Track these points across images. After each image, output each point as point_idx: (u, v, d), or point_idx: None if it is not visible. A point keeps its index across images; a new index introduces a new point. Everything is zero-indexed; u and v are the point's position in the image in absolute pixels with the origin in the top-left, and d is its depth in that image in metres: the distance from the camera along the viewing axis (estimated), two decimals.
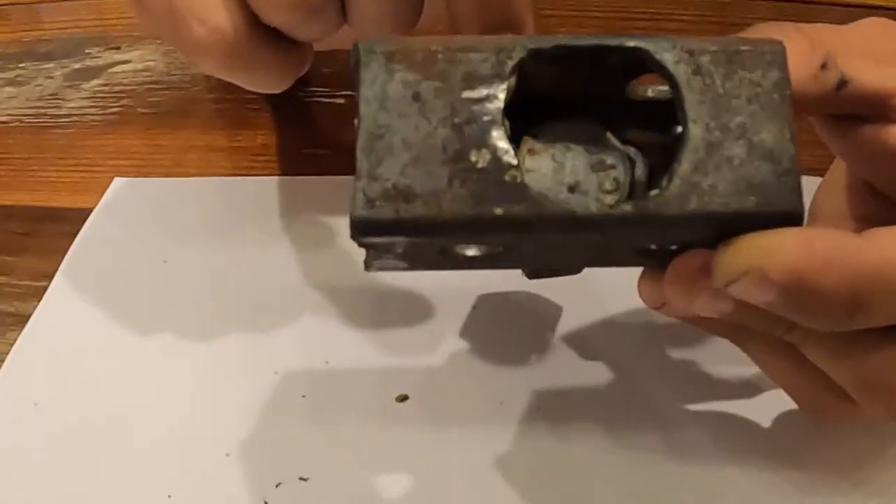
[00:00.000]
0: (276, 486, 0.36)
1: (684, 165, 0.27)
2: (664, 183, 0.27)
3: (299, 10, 0.33)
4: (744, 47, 0.28)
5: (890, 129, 0.32)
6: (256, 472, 0.36)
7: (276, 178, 0.51)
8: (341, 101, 0.57)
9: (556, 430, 0.37)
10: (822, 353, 0.31)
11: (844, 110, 0.32)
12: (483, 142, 0.27)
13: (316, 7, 0.33)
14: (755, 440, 0.36)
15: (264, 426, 0.38)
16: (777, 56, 0.28)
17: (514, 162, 0.27)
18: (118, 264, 0.46)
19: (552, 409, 0.38)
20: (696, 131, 0.27)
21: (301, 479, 0.36)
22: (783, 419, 0.37)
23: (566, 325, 0.41)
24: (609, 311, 0.41)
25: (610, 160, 0.30)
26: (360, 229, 0.27)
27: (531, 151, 0.29)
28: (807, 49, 0.30)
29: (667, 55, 0.28)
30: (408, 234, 0.27)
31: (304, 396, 0.39)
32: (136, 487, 0.36)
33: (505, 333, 0.41)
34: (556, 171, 0.29)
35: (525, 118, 0.29)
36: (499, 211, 0.26)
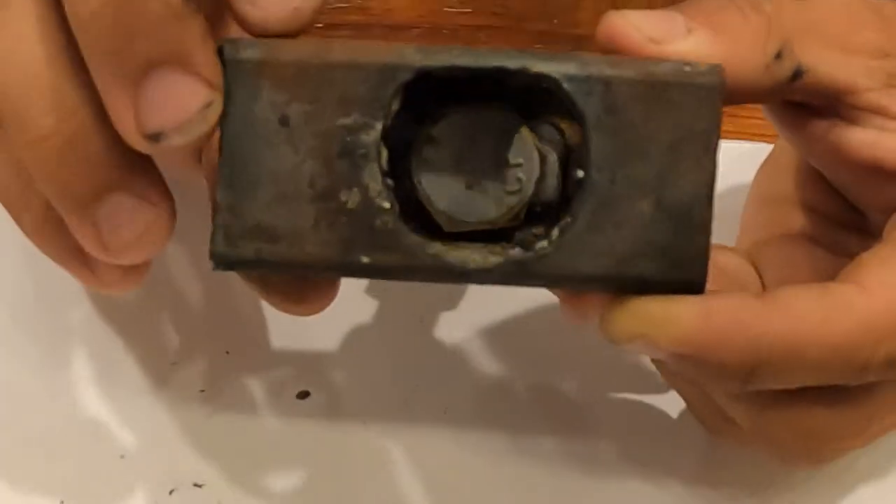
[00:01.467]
0: (170, 492, 0.36)
1: (579, 221, 0.25)
2: (554, 235, 0.25)
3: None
4: (673, 78, 0.25)
5: (843, 131, 0.31)
6: (150, 476, 0.36)
7: None
8: None
9: (459, 434, 0.37)
10: (717, 393, 0.31)
11: (797, 99, 0.31)
12: (355, 180, 0.25)
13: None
14: (663, 452, 0.36)
15: (160, 424, 0.37)
16: (713, 91, 0.25)
17: (387, 205, 0.25)
18: None
19: (458, 412, 0.37)
20: (599, 180, 0.25)
21: (196, 485, 0.36)
22: (693, 433, 0.36)
23: (477, 324, 0.40)
24: (522, 312, 0.40)
25: (517, 156, 0.28)
26: (221, 264, 0.26)
27: (431, 140, 0.27)
28: (762, 34, 0.29)
29: (576, 86, 0.25)
30: (272, 271, 0.26)
31: (202, 391, 0.38)
32: (25, 490, 0.36)
33: (413, 332, 0.40)
34: (456, 164, 0.27)
35: (433, 94, 0.27)
36: (366, 260, 0.25)
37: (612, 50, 0.27)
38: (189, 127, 0.25)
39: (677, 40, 0.27)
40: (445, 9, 0.53)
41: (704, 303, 0.26)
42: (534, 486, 0.36)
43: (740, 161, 0.38)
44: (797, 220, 0.35)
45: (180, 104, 0.25)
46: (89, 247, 0.27)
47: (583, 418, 0.37)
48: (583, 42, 0.54)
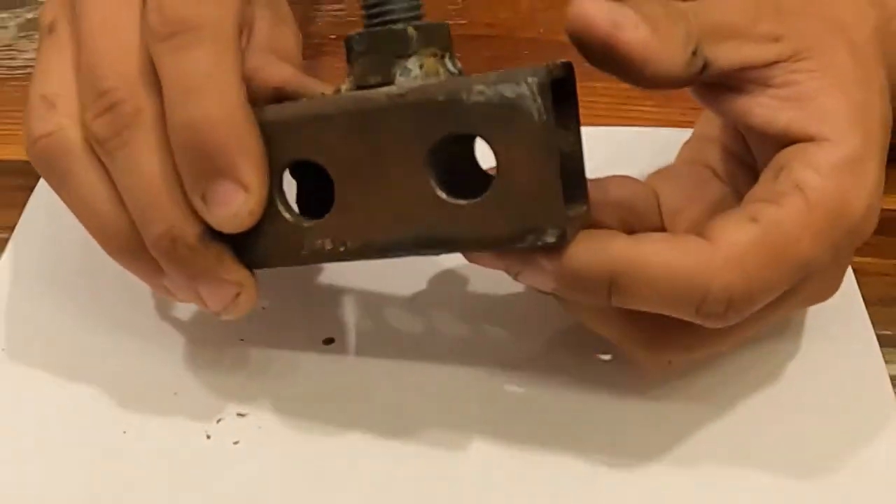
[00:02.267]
0: (217, 421, 0.41)
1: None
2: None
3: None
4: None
5: (738, 99, 0.37)
6: (200, 409, 0.41)
7: None
8: None
9: (463, 365, 0.42)
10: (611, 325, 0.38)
11: (708, 81, 0.37)
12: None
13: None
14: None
15: (205, 367, 0.43)
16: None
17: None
18: (71, 217, 0.50)
19: (467, 345, 0.43)
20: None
21: (239, 414, 0.41)
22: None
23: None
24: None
25: None
26: None
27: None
28: (684, 36, 0.35)
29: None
30: None
31: (242, 340, 0.44)
32: (95, 423, 0.41)
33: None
34: None
35: None
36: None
37: (581, 30, 0.33)
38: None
39: (631, 29, 0.34)
40: (445, 21, 0.60)
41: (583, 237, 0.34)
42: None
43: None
44: (710, 154, 0.42)
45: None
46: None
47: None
48: (567, 48, 0.60)
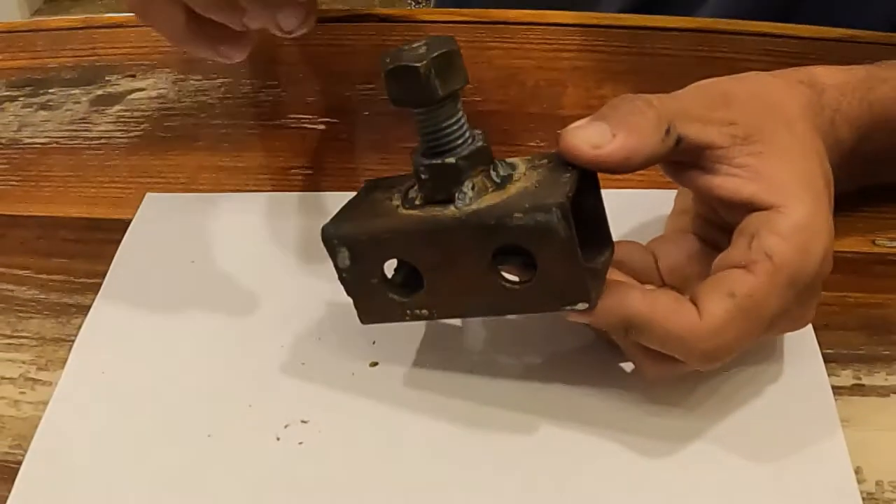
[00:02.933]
0: (285, 427, 0.49)
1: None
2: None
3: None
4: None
5: (703, 176, 0.46)
6: (270, 417, 0.50)
7: (272, 193, 0.64)
8: (322, 126, 0.70)
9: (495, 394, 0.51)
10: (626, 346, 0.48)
11: (679, 158, 0.46)
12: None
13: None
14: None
15: (274, 384, 0.51)
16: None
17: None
18: (155, 264, 0.59)
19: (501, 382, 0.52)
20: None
21: (303, 421, 0.50)
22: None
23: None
24: None
25: None
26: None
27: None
28: (656, 121, 0.44)
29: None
30: None
31: (303, 364, 0.52)
32: (180, 430, 0.50)
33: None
34: None
35: None
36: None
37: (572, 158, 0.44)
38: None
39: (608, 143, 0.44)
40: (462, 99, 0.68)
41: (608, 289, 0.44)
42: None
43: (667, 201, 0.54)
44: (690, 222, 0.51)
45: None
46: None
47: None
48: (567, 121, 0.67)
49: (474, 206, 0.43)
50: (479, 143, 0.45)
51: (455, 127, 0.44)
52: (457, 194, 0.44)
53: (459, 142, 0.44)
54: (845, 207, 0.57)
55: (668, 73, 0.73)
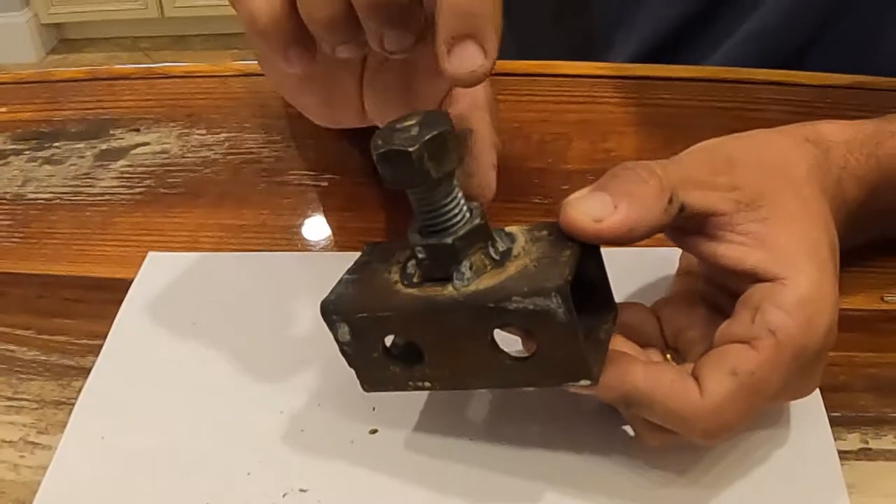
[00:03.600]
0: (283, 495, 0.49)
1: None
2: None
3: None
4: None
5: (705, 242, 0.46)
6: (269, 485, 0.49)
7: (276, 253, 0.64)
8: (325, 183, 0.70)
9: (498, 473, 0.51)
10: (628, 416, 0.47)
11: (682, 224, 0.46)
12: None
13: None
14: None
15: (273, 452, 0.51)
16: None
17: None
18: (156, 326, 0.59)
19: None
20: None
21: (301, 490, 0.49)
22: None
23: None
24: None
25: None
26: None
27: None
28: (659, 190, 0.44)
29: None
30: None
31: (302, 431, 0.52)
32: (179, 497, 0.49)
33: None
34: None
35: None
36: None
37: (574, 233, 0.43)
38: None
39: (610, 216, 0.43)
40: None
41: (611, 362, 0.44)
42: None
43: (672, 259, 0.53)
44: (695, 285, 0.50)
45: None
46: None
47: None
48: (571, 175, 0.67)
49: (472, 287, 0.43)
50: (477, 220, 0.44)
51: (451, 206, 0.43)
52: (454, 274, 0.43)
53: (456, 220, 0.44)
54: (854, 263, 0.57)
55: (675, 124, 0.73)
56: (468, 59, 0.42)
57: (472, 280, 0.43)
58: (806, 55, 0.80)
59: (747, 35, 0.82)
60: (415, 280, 0.45)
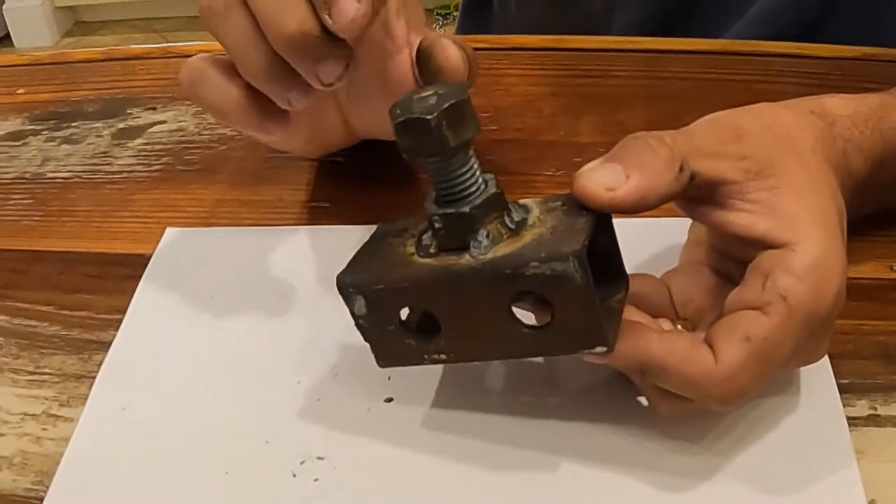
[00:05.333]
0: (301, 463, 0.50)
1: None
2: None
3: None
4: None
5: (716, 211, 0.46)
6: (287, 453, 0.50)
7: (292, 227, 0.65)
8: (341, 159, 0.70)
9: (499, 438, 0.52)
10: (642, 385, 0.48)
11: (693, 194, 0.46)
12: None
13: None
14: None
15: (290, 421, 0.52)
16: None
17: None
18: (175, 300, 0.60)
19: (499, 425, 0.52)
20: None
21: (318, 457, 0.50)
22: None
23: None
24: None
25: None
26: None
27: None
28: (670, 159, 0.45)
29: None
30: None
31: (319, 400, 0.53)
32: (199, 466, 0.50)
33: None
34: None
35: None
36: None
37: (588, 202, 0.44)
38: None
39: (623, 185, 0.44)
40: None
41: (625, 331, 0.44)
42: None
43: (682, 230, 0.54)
44: (704, 254, 0.51)
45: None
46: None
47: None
48: (583, 148, 0.68)
49: (490, 255, 0.43)
50: (493, 190, 0.45)
51: (468, 175, 0.44)
52: (472, 243, 0.44)
53: (472, 189, 0.44)
54: (862, 233, 0.58)
55: (686, 97, 0.74)
56: (346, 10, 0.46)
57: (489, 248, 0.44)
58: (815, 34, 0.80)
59: (757, 15, 0.82)
60: (431, 251, 0.45)
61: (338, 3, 0.46)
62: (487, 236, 0.44)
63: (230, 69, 0.51)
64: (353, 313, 0.47)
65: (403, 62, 0.57)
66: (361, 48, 0.50)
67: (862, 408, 0.51)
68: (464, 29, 1.04)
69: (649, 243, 0.58)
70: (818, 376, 0.52)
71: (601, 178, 0.44)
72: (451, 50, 0.55)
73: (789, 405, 0.51)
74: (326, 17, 0.46)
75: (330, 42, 0.48)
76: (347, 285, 0.46)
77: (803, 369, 0.51)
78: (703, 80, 0.75)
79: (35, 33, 3.41)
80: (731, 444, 0.49)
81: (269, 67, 0.49)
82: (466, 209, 0.44)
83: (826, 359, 0.52)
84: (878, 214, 0.59)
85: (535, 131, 0.72)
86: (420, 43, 0.57)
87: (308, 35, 0.47)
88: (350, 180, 0.69)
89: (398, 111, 0.43)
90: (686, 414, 0.48)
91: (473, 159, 0.44)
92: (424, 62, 0.56)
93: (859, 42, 0.76)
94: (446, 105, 0.42)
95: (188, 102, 0.78)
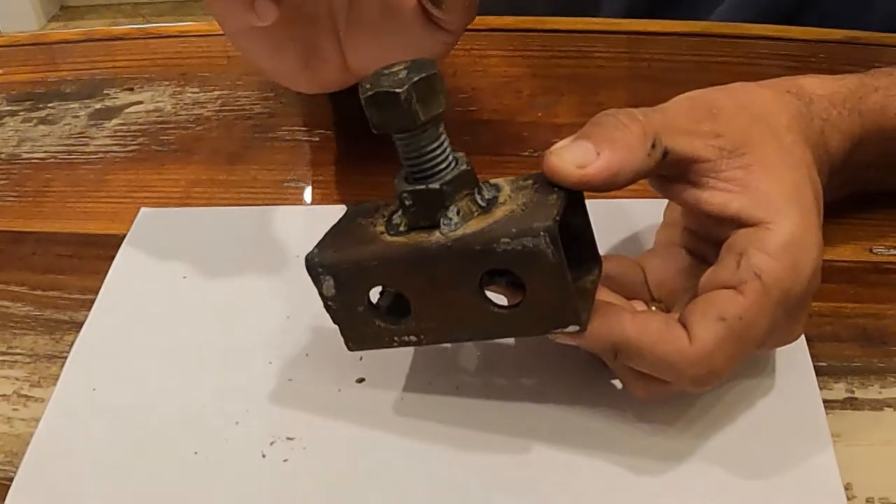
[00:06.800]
0: (271, 444, 0.50)
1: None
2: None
3: None
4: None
5: (690, 189, 0.46)
6: (256, 434, 0.50)
7: (266, 207, 0.64)
8: (316, 138, 0.70)
9: (467, 407, 0.51)
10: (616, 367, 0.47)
11: (666, 172, 0.46)
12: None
13: None
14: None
15: (261, 402, 0.52)
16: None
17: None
18: (148, 280, 0.59)
19: (467, 389, 0.52)
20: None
21: (288, 438, 0.50)
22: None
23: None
24: None
25: None
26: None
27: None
28: (641, 135, 0.44)
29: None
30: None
31: (290, 380, 0.53)
32: (169, 446, 0.50)
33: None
34: None
35: None
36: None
37: (559, 180, 0.43)
38: None
39: (593, 163, 0.43)
40: (455, 108, 0.67)
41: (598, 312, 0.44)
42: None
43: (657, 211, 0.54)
44: (679, 236, 0.51)
45: None
46: None
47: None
48: (562, 129, 0.67)
49: (460, 232, 0.43)
50: (463, 167, 0.44)
51: (438, 151, 0.43)
52: (442, 220, 0.43)
53: (443, 166, 0.44)
54: (842, 215, 0.57)
55: (667, 78, 0.73)
56: None
57: (459, 225, 0.43)
58: (799, 18, 0.79)
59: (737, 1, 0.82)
60: (401, 229, 0.45)
61: None
62: (458, 213, 0.43)
63: None
64: (321, 294, 0.46)
65: (409, 18, 0.56)
66: None
67: (839, 391, 0.51)
68: None
69: (624, 225, 0.58)
70: (795, 359, 0.51)
71: (571, 156, 0.43)
72: None
73: (766, 387, 0.50)
74: None
75: None
76: (316, 265, 0.46)
77: (780, 352, 0.51)
78: (684, 62, 0.75)
79: (21, 18, 3.39)
80: (706, 426, 0.49)
81: None
82: (437, 185, 0.43)
83: (803, 341, 0.51)
84: (858, 197, 0.59)
85: (513, 112, 0.71)
86: None
87: None
88: (326, 159, 0.69)
89: (367, 86, 0.43)
90: (661, 396, 0.48)
91: (444, 136, 0.44)
92: None
93: (842, 27, 0.76)
94: (416, 79, 0.42)
95: (166, 82, 0.78)
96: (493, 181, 0.46)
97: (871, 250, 0.58)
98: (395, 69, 0.43)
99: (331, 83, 0.62)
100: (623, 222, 0.57)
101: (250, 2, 0.50)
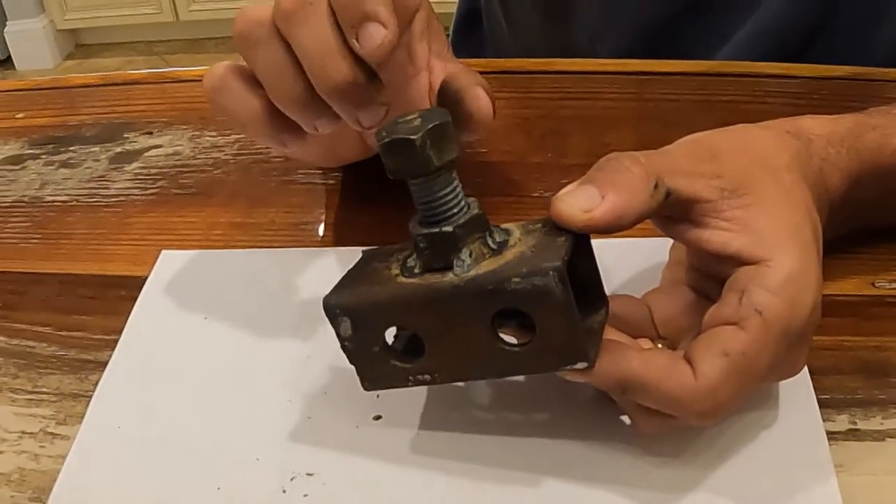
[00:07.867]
0: (291, 479, 0.51)
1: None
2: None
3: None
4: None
5: (691, 229, 0.47)
6: (277, 470, 0.51)
7: (284, 249, 0.66)
8: (332, 181, 0.72)
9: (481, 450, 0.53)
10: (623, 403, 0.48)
11: (669, 212, 0.47)
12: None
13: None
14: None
15: (281, 439, 0.53)
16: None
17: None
18: (170, 321, 0.61)
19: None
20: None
21: (308, 474, 0.51)
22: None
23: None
24: None
25: None
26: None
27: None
28: (644, 177, 0.46)
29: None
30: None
31: (309, 418, 0.54)
32: (192, 482, 0.51)
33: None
34: None
35: None
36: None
37: (565, 224, 0.45)
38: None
39: (598, 206, 0.45)
40: (467, 150, 0.68)
41: (605, 350, 0.45)
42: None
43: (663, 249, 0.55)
44: (684, 274, 0.52)
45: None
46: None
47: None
48: (571, 170, 0.68)
49: (472, 273, 0.45)
50: (475, 211, 0.46)
51: (451, 196, 0.45)
52: (455, 262, 0.45)
53: (455, 210, 0.46)
54: (845, 250, 0.59)
55: (673, 118, 0.75)
56: (374, 35, 0.48)
57: (471, 267, 0.45)
58: (803, 56, 0.81)
59: (743, 39, 0.84)
60: (415, 271, 0.47)
61: (366, 28, 0.48)
62: (470, 255, 0.45)
63: (253, 81, 0.53)
64: (339, 335, 0.48)
65: (422, 84, 0.60)
66: (384, 68, 0.51)
67: (842, 422, 0.52)
68: (456, 50, 1.05)
69: (631, 263, 0.59)
70: (798, 391, 0.52)
71: (577, 201, 0.45)
72: (483, 101, 0.57)
73: (770, 419, 0.51)
74: (354, 41, 0.48)
75: (373, 89, 0.50)
76: (333, 307, 0.47)
77: (784, 385, 0.52)
78: (690, 101, 0.76)
79: (37, 56, 3.43)
80: (712, 458, 0.50)
81: (302, 98, 0.51)
82: (450, 228, 0.45)
83: (806, 374, 0.53)
84: (860, 232, 0.60)
85: (522, 153, 0.73)
86: (447, 80, 0.58)
87: (354, 84, 0.49)
88: (342, 202, 0.70)
89: (384, 133, 0.45)
90: (668, 431, 0.49)
91: (457, 181, 0.46)
92: (453, 104, 0.56)
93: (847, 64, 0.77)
94: (430, 126, 0.44)
95: (184, 126, 0.79)
96: (503, 225, 0.47)
97: (873, 284, 0.59)
98: (409, 117, 0.45)
99: (349, 159, 0.66)
100: (631, 260, 0.59)
101: (277, 135, 0.54)
